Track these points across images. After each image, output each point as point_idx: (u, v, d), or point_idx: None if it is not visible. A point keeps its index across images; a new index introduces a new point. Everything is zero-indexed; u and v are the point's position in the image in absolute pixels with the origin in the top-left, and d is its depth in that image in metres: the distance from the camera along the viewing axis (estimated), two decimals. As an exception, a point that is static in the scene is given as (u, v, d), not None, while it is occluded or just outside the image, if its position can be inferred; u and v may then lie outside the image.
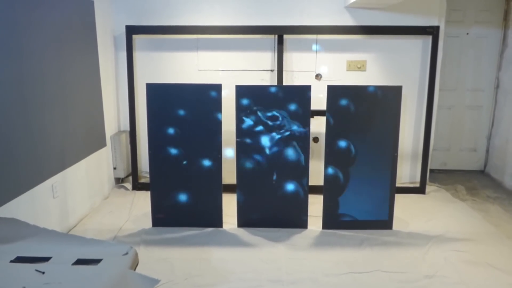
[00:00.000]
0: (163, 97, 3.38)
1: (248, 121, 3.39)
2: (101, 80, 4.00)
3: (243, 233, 3.45)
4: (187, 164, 3.42)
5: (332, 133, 3.40)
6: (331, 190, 3.47)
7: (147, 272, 2.79)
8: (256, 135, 3.40)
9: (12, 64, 2.69)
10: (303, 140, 3.40)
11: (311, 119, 3.45)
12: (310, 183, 3.51)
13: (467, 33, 4.88)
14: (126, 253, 1.80)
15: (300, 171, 3.44)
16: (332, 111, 3.37)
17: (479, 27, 4.85)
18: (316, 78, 4.37)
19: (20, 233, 1.99)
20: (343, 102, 3.36)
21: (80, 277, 1.62)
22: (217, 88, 3.37)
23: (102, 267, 1.69)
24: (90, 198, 3.84)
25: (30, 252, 1.80)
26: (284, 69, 4.27)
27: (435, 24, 4.22)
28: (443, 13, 4.29)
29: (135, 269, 1.80)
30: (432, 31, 4.17)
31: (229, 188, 3.94)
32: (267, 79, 4.38)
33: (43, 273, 1.62)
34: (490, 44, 4.89)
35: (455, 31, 4.85)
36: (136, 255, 1.86)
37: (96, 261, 1.73)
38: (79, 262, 1.74)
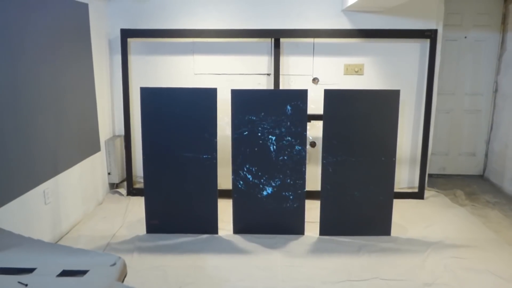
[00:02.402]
0: (158, 102, 3.33)
1: (244, 129, 3.34)
2: (96, 84, 3.95)
3: (239, 239, 3.39)
4: (181, 171, 3.37)
5: (329, 138, 3.34)
6: (328, 195, 3.41)
7: (140, 280, 2.75)
8: (252, 141, 3.35)
9: (5, 67, 2.64)
10: (299, 145, 3.35)
11: (308, 124, 3.40)
12: (307, 188, 3.45)
13: (465, 37, 4.84)
14: (114, 264, 1.74)
15: (297, 177, 3.38)
16: (329, 116, 3.32)
17: (478, 31, 4.81)
18: (313, 82, 4.32)
19: (3, 243, 1.93)
20: (340, 106, 3.31)
21: (65, 290, 1.56)
22: (213, 92, 3.32)
23: (88, 278, 1.63)
24: (83, 204, 3.78)
25: (13, 263, 1.73)
26: (280, 73, 4.23)
27: (433, 27, 4.18)
28: (441, 16, 4.25)
29: (123, 281, 1.74)
30: (430, 35, 4.13)
31: (225, 194, 3.88)
32: (263, 83, 4.33)
33: (26, 285, 1.56)
34: (488, 48, 4.85)
35: (453, 34, 4.81)
36: (125, 265, 1.79)
37: (82, 273, 1.66)
38: (65, 273, 1.67)
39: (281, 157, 3.36)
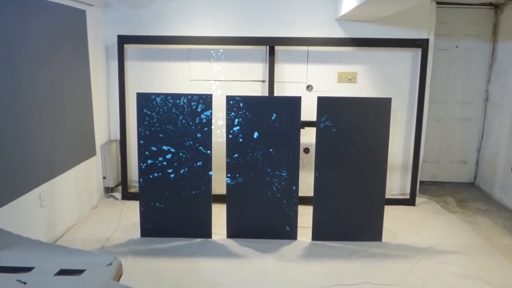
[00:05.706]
0: (153, 107, 3.37)
1: (239, 134, 3.39)
2: (92, 89, 4.00)
3: (232, 244, 3.43)
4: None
5: (322, 144, 3.40)
6: (321, 201, 3.47)
7: (134, 283, 2.78)
8: (245, 147, 3.40)
9: (3, 72, 2.68)
10: (292, 151, 3.40)
11: (302, 130, 3.46)
12: (300, 194, 3.50)
13: (457, 46, 4.93)
14: (110, 264, 1.78)
15: (290, 182, 3.43)
16: (322, 123, 3.38)
17: (468, 40, 4.91)
18: (307, 89, 4.39)
19: (2, 242, 1.96)
20: (334, 113, 3.38)
21: (62, 288, 1.60)
22: (208, 98, 3.38)
23: (85, 277, 1.67)
24: (78, 207, 3.81)
25: (12, 262, 1.77)
26: (275, 80, 4.30)
27: (425, 37, 4.27)
28: (433, 26, 4.35)
29: (118, 280, 1.78)
30: (421, 44, 4.22)
31: (219, 199, 3.92)
32: (258, 90, 4.40)
33: (25, 283, 1.60)
34: (479, 57, 4.95)
35: (445, 44, 4.90)
36: (120, 265, 1.84)
37: (79, 272, 1.71)
38: (62, 272, 1.72)
39: (275, 162, 3.41)
